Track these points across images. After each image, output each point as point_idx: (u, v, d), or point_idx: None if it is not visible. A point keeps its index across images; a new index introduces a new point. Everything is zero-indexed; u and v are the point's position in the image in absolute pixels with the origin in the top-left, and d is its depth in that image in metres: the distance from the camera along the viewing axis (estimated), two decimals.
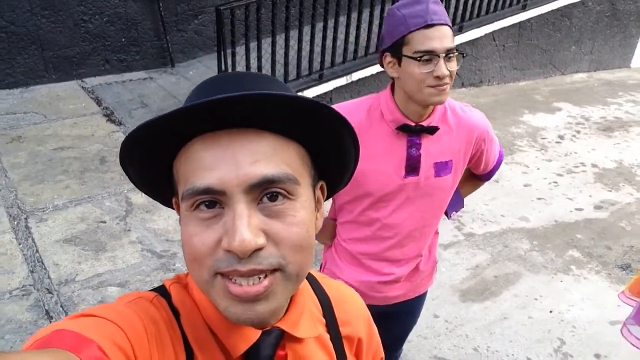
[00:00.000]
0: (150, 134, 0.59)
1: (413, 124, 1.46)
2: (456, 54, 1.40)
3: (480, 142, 1.57)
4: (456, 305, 2.99)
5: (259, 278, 0.59)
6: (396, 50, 1.40)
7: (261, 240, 0.57)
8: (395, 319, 1.85)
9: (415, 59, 1.36)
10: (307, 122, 0.61)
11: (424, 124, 1.47)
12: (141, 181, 0.68)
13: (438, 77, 1.36)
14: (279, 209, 0.59)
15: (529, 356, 2.67)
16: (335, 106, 1.49)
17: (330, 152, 0.68)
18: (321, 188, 0.71)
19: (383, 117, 1.48)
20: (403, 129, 1.46)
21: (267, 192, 0.59)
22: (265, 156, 0.59)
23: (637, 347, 1.99)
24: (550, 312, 2.98)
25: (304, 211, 0.62)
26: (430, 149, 1.50)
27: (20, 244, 3.06)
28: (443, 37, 1.37)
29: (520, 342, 2.76)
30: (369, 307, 1.70)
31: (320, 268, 1.82)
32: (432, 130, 1.47)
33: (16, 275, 2.84)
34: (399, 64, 1.41)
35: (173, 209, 0.73)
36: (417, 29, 1.35)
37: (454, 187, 1.60)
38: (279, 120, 0.60)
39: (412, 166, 1.49)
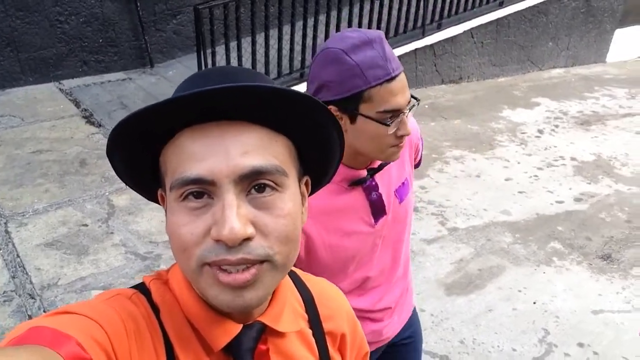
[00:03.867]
0: (140, 123, 0.59)
1: (365, 174, 1.28)
2: (414, 102, 1.21)
3: (417, 142, 1.48)
4: (441, 299, 3.02)
5: (247, 267, 0.59)
6: (349, 106, 1.15)
7: (250, 230, 0.58)
8: (404, 348, 1.69)
9: (378, 120, 1.15)
10: (294, 114, 0.62)
11: (375, 165, 1.31)
12: (126, 172, 0.68)
13: (402, 136, 1.19)
14: (267, 201, 0.60)
15: (514, 347, 2.71)
16: None
17: (316, 145, 0.69)
18: (306, 183, 0.72)
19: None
20: (356, 183, 1.29)
21: (255, 183, 0.60)
22: (255, 148, 0.60)
23: None
24: (534, 303, 3.02)
25: (291, 203, 0.63)
26: (385, 181, 1.34)
27: (0, 249, 3.01)
28: (404, 89, 1.17)
29: (505, 333, 2.79)
30: (377, 350, 1.58)
31: None
32: (384, 166, 1.32)
33: None
34: (352, 121, 1.17)
35: (156, 202, 0.73)
36: (380, 84, 1.12)
37: (413, 198, 1.50)
38: (267, 112, 0.60)
39: (378, 209, 1.34)
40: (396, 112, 1.16)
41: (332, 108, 1.16)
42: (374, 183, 1.31)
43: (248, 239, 0.58)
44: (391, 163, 1.33)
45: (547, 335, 2.79)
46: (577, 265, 3.37)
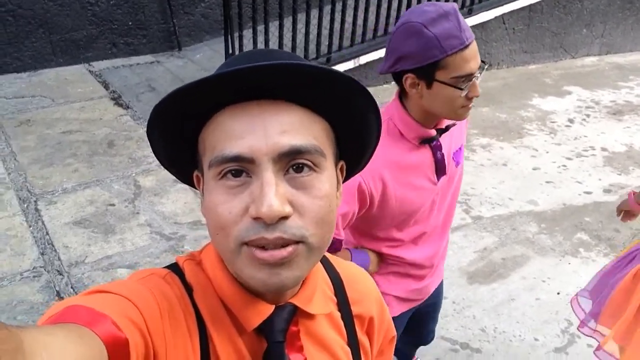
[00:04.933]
0: (183, 101, 0.59)
1: (434, 133, 1.41)
2: (483, 65, 1.33)
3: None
4: (464, 287, 3.00)
5: (283, 247, 0.60)
6: (426, 73, 1.28)
7: (288, 208, 0.58)
8: (430, 308, 1.90)
9: (452, 85, 1.27)
10: (335, 96, 0.62)
11: (442, 125, 1.44)
12: (165, 151, 0.69)
13: (473, 97, 1.32)
14: (304, 181, 0.61)
15: (536, 337, 2.68)
16: None
17: (355, 130, 0.69)
18: (341, 169, 0.72)
19: (403, 136, 1.40)
20: (427, 141, 1.42)
21: (293, 163, 0.60)
22: (294, 127, 0.60)
23: (578, 318, 2.10)
24: (558, 294, 2.98)
25: (328, 184, 0.63)
26: (447, 144, 1.48)
27: (30, 227, 3.09)
28: (476, 55, 1.29)
29: (527, 323, 2.76)
30: (408, 311, 1.70)
31: None
32: (450, 127, 1.45)
33: (27, 257, 2.87)
34: (428, 87, 1.31)
35: (190, 184, 0.74)
36: (455, 52, 1.25)
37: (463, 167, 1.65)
38: (308, 91, 0.61)
39: (441, 168, 1.47)
40: (469, 77, 1.28)
41: (410, 76, 1.31)
42: (439, 143, 1.45)
43: (285, 218, 0.58)
44: (452, 128, 1.47)
45: (570, 326, 2.75)
46: (603, 257, 3.30)
